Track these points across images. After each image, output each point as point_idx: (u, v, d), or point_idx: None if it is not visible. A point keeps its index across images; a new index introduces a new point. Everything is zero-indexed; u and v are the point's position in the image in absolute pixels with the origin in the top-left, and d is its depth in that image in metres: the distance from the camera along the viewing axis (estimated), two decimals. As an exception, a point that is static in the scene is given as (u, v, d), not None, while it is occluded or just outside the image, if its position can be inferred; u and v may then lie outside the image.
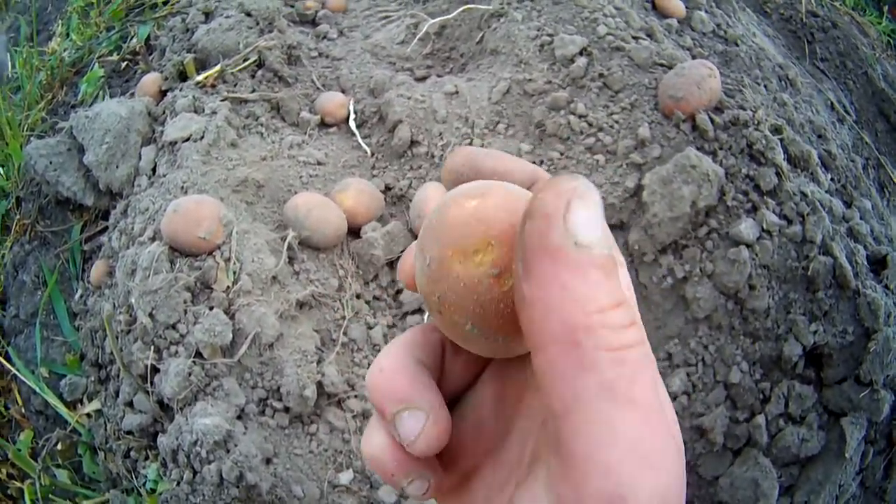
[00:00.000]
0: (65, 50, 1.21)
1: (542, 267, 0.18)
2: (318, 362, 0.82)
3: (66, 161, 1.04)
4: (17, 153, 1.09)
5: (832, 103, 1.12)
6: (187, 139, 0.95)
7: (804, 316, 0.90)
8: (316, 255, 0.88)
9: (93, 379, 0.94)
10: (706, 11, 1.05)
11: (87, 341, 0.95)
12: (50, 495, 0.91)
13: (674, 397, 0.89)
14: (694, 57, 1.00)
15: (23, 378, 0.99)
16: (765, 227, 0.89)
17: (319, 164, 0.95)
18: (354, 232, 0.90)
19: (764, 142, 0.91)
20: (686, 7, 1.03)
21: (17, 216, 1.10)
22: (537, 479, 0.20)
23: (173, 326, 0.81)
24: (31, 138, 1.09)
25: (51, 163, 1.04)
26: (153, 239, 0.88)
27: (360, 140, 0.97)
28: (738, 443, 0.89)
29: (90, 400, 0.94)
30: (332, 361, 0.83)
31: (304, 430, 0.81)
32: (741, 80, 0.99)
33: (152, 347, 0.80)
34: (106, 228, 1.02)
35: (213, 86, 1.01)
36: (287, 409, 0.80)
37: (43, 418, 0.98)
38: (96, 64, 1.15)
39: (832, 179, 1.03)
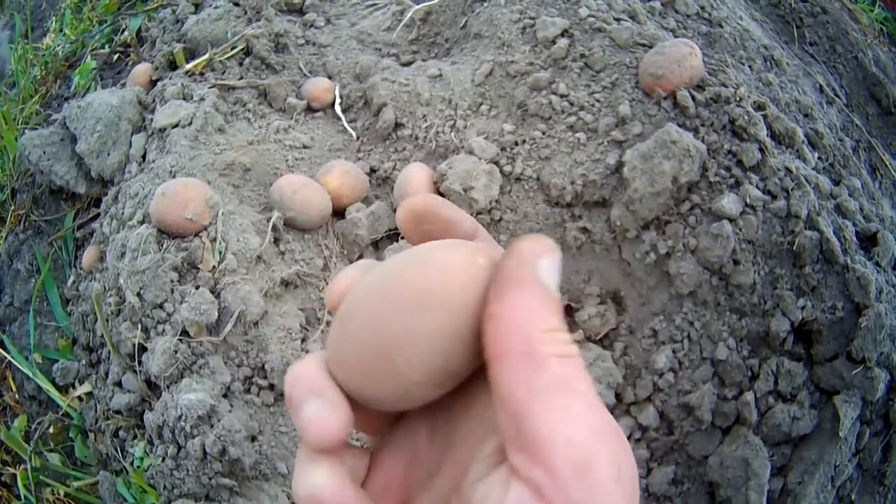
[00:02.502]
0: (58, 45, 1.24)
1: (512, 292, 0.22)
2: (303, 340, 0.83)
3: (59, 150, 1.07)
4: (11, 145, 1.12)
5: (821, 86, 1.12)
6: (176, 125, 0.97)
7: (791, 291, 0.90)
8: (301, 236, 0.90)
9: (84, 363, 0.96)
10: (689, -8, 1.06)
11: (78, 326, 0.97)
12: (42, 477, 0.92)
13: (660, 374, 0.89)
14: (676, 38, 1.01)
15: (17, 364, 1.01)
16: (748, 202, 0.89)
17: (305, 147, 0.97)
18: (339, 213, 0.92)
19: (746, 118, 0.92)
20: (669, -11, 1.04)
21: (12, 207, 1.13)
22: (492, 486, 0.23)
23: (160, 306, 0.83)
24: (26, 131, 1.12)
25: (44, 152, 1.07)
26: (142, 222, 0.90)
27: (346, 124, 0.99)
28: (727, 421, 0.89)
29: (82, 383, 0.96)
30: (317, 340, 0.84)
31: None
32: (724, 60, 1.00)
33: (140, 326, 0.82)
34: (98, 215, 1.04)
35: (201, 74, 1.03)
36: (272, 387, 0.82)
37: (36, 403, 1.00)
38: (89, 56, 1.18)
39: (819, 158, 1.03)
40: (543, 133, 0.92)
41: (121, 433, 0.85)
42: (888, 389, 0.91)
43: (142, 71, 1.09)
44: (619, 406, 0.88)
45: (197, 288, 0.83)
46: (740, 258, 0.89)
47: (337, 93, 1.00)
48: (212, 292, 0.82)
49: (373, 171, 0.95)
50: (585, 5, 0.98)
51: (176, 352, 0.79)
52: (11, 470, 0.99)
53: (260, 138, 0.96)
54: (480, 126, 0.93)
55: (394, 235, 0.91)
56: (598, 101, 0.92)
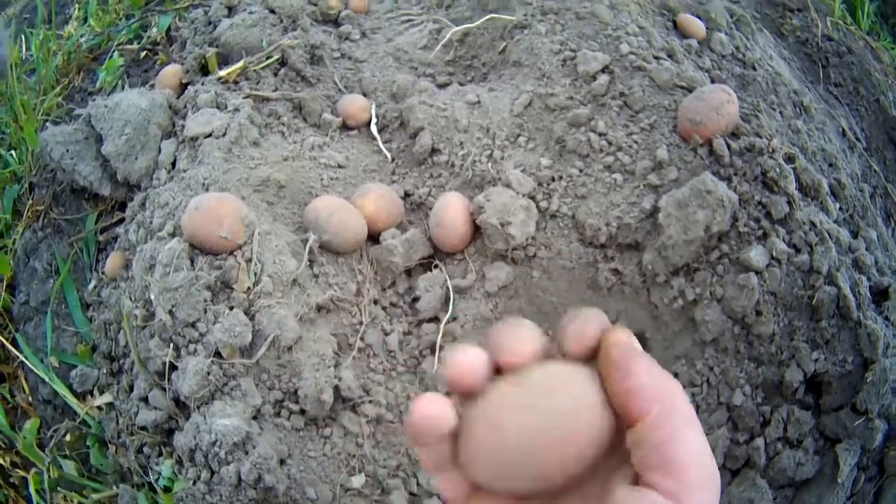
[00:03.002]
0: (82, 35, 1.21)
1: (634, 370, 0.30)
2: (336, 366, 0.84)
3: (83, 149, 1.04)
4: (32, 138, 1.09)
5: (843, 130, 1.15)
6: (209, 135, 0.96)
7: (807, 343, 0.93)
8: (335, 259, 0.90)
9: (105, 371, 0.95)
10: (726, 33, 1.07)
11: (100, 333, 0.97)
12: (57, 487, 0.92)
13: (677, 415, 0.92)
14: (712, 79, 1.02)
15: (31, 366, 1.00)
16: (774, 254, 0.92)
17: (340, 167, 0.96)
18: (373, 237, 0.92)
19: (778, 170, 0.94)
20: (706, 28, 1.05)
21: (30, 201, 1.11)
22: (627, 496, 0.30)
23: (192, 325, 0.82)
24: (47, 123, 1.10)
25: (67, 150, 1.04)
26: (173, 235, 0.89)
27: (381, 145, 0.98)
28: (737, 463, 0.92)
29: (101, 392, 0.95)
30: (349, 366, 0.85)
31: (318, 433, 0.84)
32: (757, 105, 1.02)
33: (171, 345, 0.82)
34: (122, 220, 1.03)
35: (235, 82, 1.02)
36: (303, 412, 0.83)
37: (51, 408, 1.00)
38: (116, 52, 1.15)
39: (840, 209, 1.06)
40: (580, 171, 0.93)
41: (145, 449, 0.85)
42: (885, 438, 0.95)
43: (171, 73, 1.07)
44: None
45: (231, 309, 0.83)
46: (763, 309, 0.92)
47: (373, 112, 1.00)
48: (246, 314, 0.82)
49: (407, 195, 0.96)
50: (626, 42, 0.98)
51: (208, 373, 0.80)
52: (21, 472, 0.98)
53: (295, 154, 0.96)
54: (518, 158, 0.94)
55: (427, 264, 0.92)
56: (636, 142, 0.93)
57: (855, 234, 1.06)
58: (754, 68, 1.05)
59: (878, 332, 0.93)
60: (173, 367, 0.82)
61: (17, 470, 0.98)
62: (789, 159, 0.97)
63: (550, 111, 0.96)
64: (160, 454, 0.85)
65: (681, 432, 0.30)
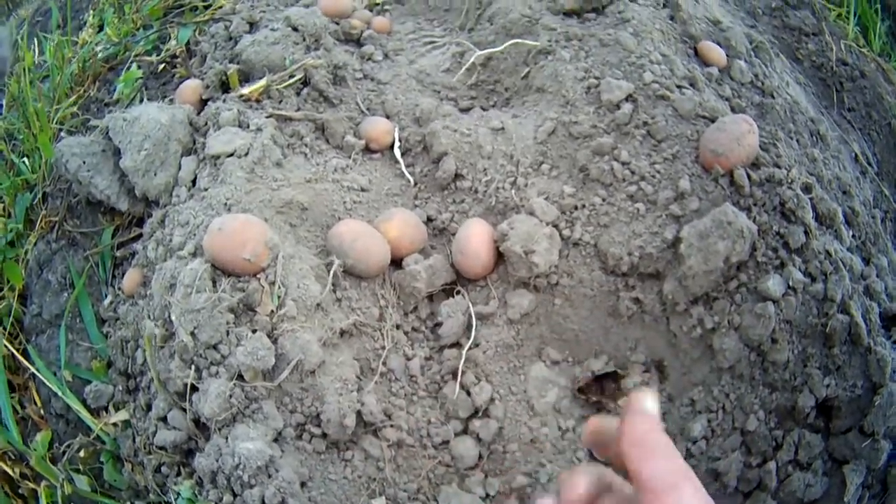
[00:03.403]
0: (97, 44, 1.19)
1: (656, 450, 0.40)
2: (358, 391, 0.84)
3: (100, 162, 1.04)
4: (46, 148, 1.08)
5: (856, 155, 1.17)
6: (231, 154, 0.96)
7: (819, 370, 0.95)
8: (358, 284, 0.90)
9: (120, 388, 0.95)
10: (745, 61, 1.09)
11: (116, 350, 0.96)
12: (70, 502, 0.92)
13: (693, 441, 0.93)
14: (732, 108, 1.04)
15: (43, 379, 0.99)
16: (791, 284, 0.93)
17: (363, 190, 0.96)
18: (396, 262, 0.92)
19: (795, 201, 0.96)
20: (727, 55, 1.06)
21: (43, 211, 1.10)
22: None
23: (214, 347, 0.82)
24: (61, 133, 1.09)
25: (84, 163, 1.04)
26: (194, 255, 0.89)
27: (404, 169, 0.98)
28: (750, 486, 0.94)
29: (116, 409, 0.95)
30: (371, 391, 0.85)
31: (339, 457, 0.84)
32: (775, 134, 1.03)
33: (192, 366, 0.81)
34: (140, 236, 1.02)
35: (257, 100, 1.01)
36: (324, 435, 0.83)
37: (63, 422, 0.99)
38: (134, 64, 1.14)
39: (853, 236, 1.08)
40: (603, 200, 0.93)
41: (163, 468, 0.85)
42: (889, 457, 0.97)
43: (191, 88, 1.07)
44: (652, 470, 0.92)
45: (254, 332, 0.82)
46: (778, 337, 0.93)
47: (396, 135, 1.00)
48: (269, 337, 0.82)
49: (429, 220, 0.96)
50: (650, 70, 0.99)
51: (230, 396, 0.79)
52: (31, 485, 0.98)
53: (318, 176, 0.95)
54: (541, 186, 0.95)
55: (449, 290, 0.92)
56: (658, 172, 0.94)
57: (867, 261, 1.08)
58: (773, 96, 1.06)
59: (886, 357, 0.95)
60: (194, 389, 0.81)
61: (27, 482, 0.97)
62: (806, 189, 0.99)
63: (574, 139, 0.97)
64: (179, 474, 0.84)
65: (678, 485, 0.38)
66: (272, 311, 0.83)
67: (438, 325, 0.91)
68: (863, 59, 1.26)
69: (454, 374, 0.88)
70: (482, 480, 0.86)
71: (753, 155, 0.96)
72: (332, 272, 0.86)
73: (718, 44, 1.07)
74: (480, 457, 0.87)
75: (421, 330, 0.91)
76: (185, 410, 0.82)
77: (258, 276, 0.85)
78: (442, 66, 1.07)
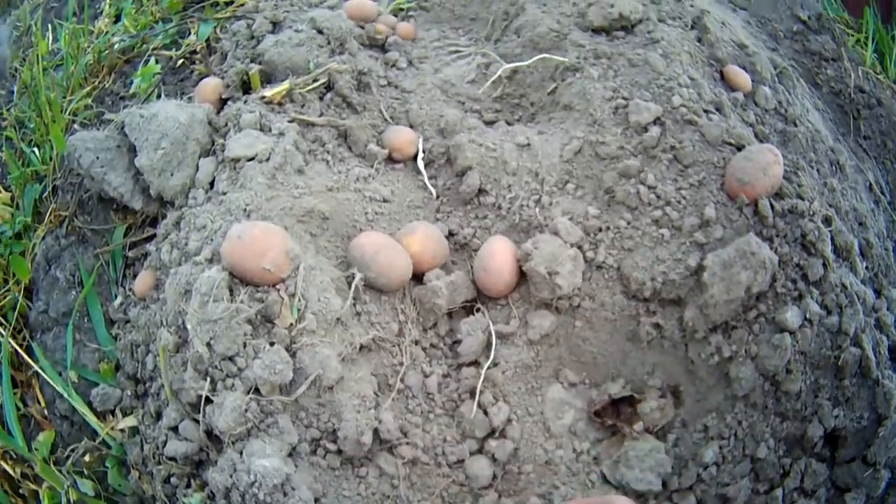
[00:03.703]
0: (114, 34, 1.14)
1: None
2: (375, 407, 0.81)
3: (114, 159, 0.99)
4: (59, 140, 1.03)
5: (871, 184, 1.15)
6: (252, 158, 0.92)
7: (829, 401, 0.94)
8: (378, 298, 0.87)
9: (129, 393, 0.91)
10: (770, 87, 1.06)
11: (125, 353, 0.92)
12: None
13: (704, 467, 0.92)
14: (756, 135, 1.01)
15: (47, 379, 0.95)
16: (808, 316, 0.92)
17: (385, 201, 0.93)
18: (416, 277, 0.89)
19: (816, 233, 0.94)
20: (752, 80, 1.04)
21: (53, 205, 1.05)
22: None
23: (231, 359, 0.79)
24: (74, 125, 1.04)
25: (97, 158, 0.99)
26: (211, 261, 0.85)
27: (427, 181, 0.95)
28: (757, 513, 0.93)
29: (124, 414, 0.91)
30: (389, 408, 0.82)
31: (353, 473, 0.81)
32: (797, 163, 1.01)
33: (207, 378, 0.78)
34: (153, 236, 0.98)
35: (279, 103, 0.97)
36: (340, 452, 0.80)
37: (67, 423, 0.95)
38: (152, 58, 1.09)
39: (867, 268, 1.07)
40: (628, 223, 0.91)
41: (173, 479, 0.81)
42: (887, 486, 0.97)
43: (212, 87, 1.02)
44: (664, 492, 0.90)
45: (271, 344, 0.79)
46: (793, 368, 0.92)
47: (420, 146, 0.97)
48: (287, 350, 0.79)
49: (451, 234, 0.93)
50: (678, 93, 0.97)
51: (246, 410, 0.76)
52: (32, 486, 0.94)
53: (340, 185, 0.92)
54: (566, 206, 0.92)
55: (469, 307, 0.89)
56: (684, 197, 0.92)
57: (878, 293, 1.07)
58: (795, 124, 1.04)
59: (892, 390, 0.95)
60: (208, 401, 0.78)
61: (28, 482, 0.93)
62: (826, 221, 0.97)
63: (601, 160, 0.94)
64: (189, 485, 0.81)
65: None
66: (291, 323, 0.80)
67: (458, 342, 0.88)
68: (879, 87, 1.24)
69: (472, 393, 0.86)
70: (496, 501, 0.84)
71: (777, 185, 0.94)
72: (353, 286, 0.83)
73: (744, 68, 1.05)
74: (495, 477, 0.85)
75: (440, 347, 0.89)
76: (197, 422, 0.79)
77: (277, 286, 0.81)
78: (467, 77, 1.04)
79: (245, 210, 0.87)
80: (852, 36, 1.29)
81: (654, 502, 0.90)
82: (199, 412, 0.79)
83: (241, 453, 0.75)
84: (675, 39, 1.02)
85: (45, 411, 0.95)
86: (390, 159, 0.97)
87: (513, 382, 0.87)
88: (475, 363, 0.87)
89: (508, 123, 1.01)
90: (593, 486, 0.88)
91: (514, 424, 0.85)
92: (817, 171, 1.03)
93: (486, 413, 0.85)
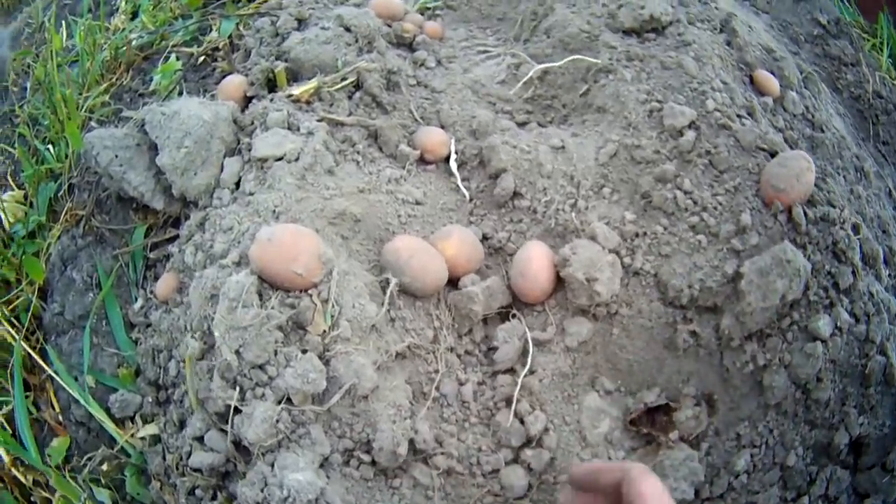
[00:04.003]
0: (131, 31, 1.05)
1: None
2: (411, 417, 0.73)
3: (134, 157, 0.90)
4: (75, 137, 0.94)
5: (890, 191, 1.10)
6: (280, 158, 0.83)
7: (855, 409, 0.89)
8: (412, 303, 0.79)
9: (150, 399, 0.82)
10: (797, 92, 1.00)
11: (146, 358, 0.83)
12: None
13: (736, 475, 0.86)
14: (786, 140, 0.95)
15: (62, 384, 0.85)
16: (838, 324, 0.87)
17: (418, 203, 0.85)
18: (451, 282, 0.81)
19: (847, 241, 0.88)
20: (780, 86, 0.97)
21: (69, 204, 0.95)
22: None
23: (261, 367, 0.70)
24: (91, 122, 0.94)
25: (116, 156, 0.90)
26: (238, 264, 0.77)
27: (460, 183, 0.87)
28: (783, 519, 0.87)
29: (144, 421, 0.82)
30: (424, 417, 0.74)
31: (387, 484, 0.73)
32: (825, 170, 0.96)
33: (237, 387, 0.69)
34: (175, 237, 0.89)
35: (307, 102, 0.89)
36: (373, 463, 0.72)
37: (83, 430, 0.86)
38: (173, 55, 1.00)
39: (889, 275, 1.01)
40: (665, 229, 0.84)
41: (198, 492, 0.73)
42: None
43: (235, 84, 0.93)
44: (695, 501, 0.84)
45: (304, 352, 0.71)
46: (823, 376, 0.86)
47: (452, 147, 0.89)
48: (320, 358, 0.71)
49: (485, 238, 0.85)
50: (712, 98, 0.90)
51: (278, 421, 0.68)
52: (44, 494, 0.85)
53: (371, 186, 0.84)
54: (602, 210, 0.85)
55: (504, 314, 0.82)
56: (720, 203, 0.85)
57: (900, 300, 1.02)
58: (822, 130, 0.98)
59: (914, 398, 0.89)
60: (237, 411, 0.70)
61: (40, 490, 0.84)
62: (855, 229, 0.91)
63: (636, 163, 0.87)
64: (214, 498, 0.73)
65: None
66: (324, 330, 0.72)
67: (492, 349, 0.80)
68: (895, 92, 1.19)
69: (508, 402, 0.79)
70: (531, 513, 0.77)
71: (809, 192, 0.88)
72: (389, 291, 0.75)
73: (772, 73, 0.99)
74: (530, 487, 0.78)
75: (474, 354, 0.81)
76: (225, 432, 0.71)
77: (310, 292, 0.73)
78: (497, 78, 0.96)
79: (274, 211, 0.79)
80: (868, 41, 1.24)
81: (686, 511, 0.83)
82: (226, 422, 0.71)
83: (272, 466, 0.67)
84: (706, 42, 0.95)
85: (60, 417, 0.86)
86: (422, 160, 0.89)
87: (549, 391, 0.80)
88: (511, 371, 0.80)
89: (540, 125, 0.93)
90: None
91: (550, 433, 0.78)
92: (843, 177, 0.97)
93: (522, 422, 0.78)
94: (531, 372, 0.80)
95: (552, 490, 0.78)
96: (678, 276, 0.82)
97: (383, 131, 0.88)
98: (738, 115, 0.90)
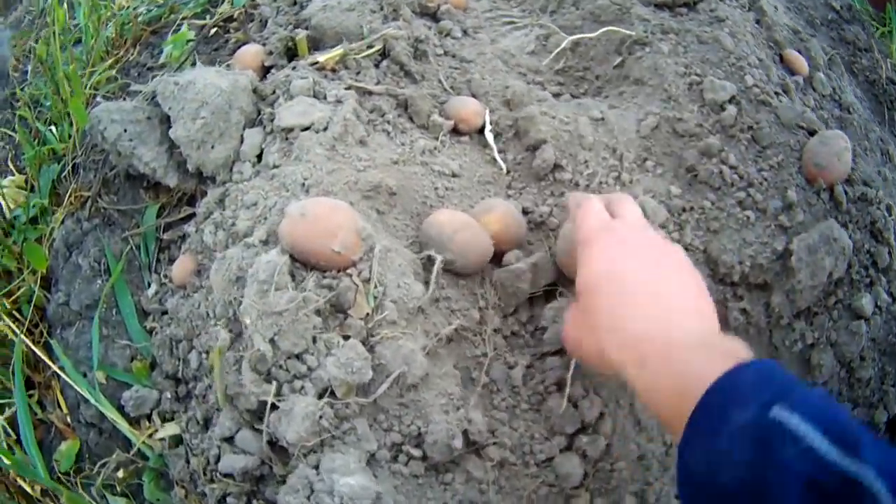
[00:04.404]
0: (137, 5, 0.87)
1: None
2: (462, 406, 0.59)
3: (144, 131, 0.73)
4: (80, 113, 0.76)
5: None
6: (307, 128, 0.68)
7: (893, 387, 0.79)
8: (455, 282, 0.65)
9: (168, 395, 0.66)
10: (824, 73, 0.89)
11: (163, 349, 0.67)
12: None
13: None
14: (818, 119, 0.84)
15: (69, 381, 0.69)
16: (878, 303, 0.76)
17: (454, 176, 0.71)
18: (493, 259, 0.68)
19: (884, 221, 0.78)
20: (809, 66, 0.86)
21: (74, 185, 0.78)
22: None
23: (299, 357, 0.55)
24: (97, 98, 0.77)
25: (125, 131, 0.73)
26: (266, 243, 0.61)
27: (497, 155, 0.73)
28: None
29: (163, 419, 0.66)
30: (477, 406, 0.61)
31: (438, 480, 0.59)
32: (855, 150, 0.85)
33: (274, 382, 0.54)
34: (191, 216, 0.73)
35: (333, 70, 0.73)
36: (424, 457, 0.58)
37: (94, 432, 0.69)
38: (185, 25, 0.83)
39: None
40: (712, 204, 0.72)
41: (229, 499, 0.57)
42: None
43: (252, 53, 0.77)
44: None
45: (346, 338, 0.56)
46: (866, 355, 0.75)
47: (487, 118, 0.75)
48: (363, 345, 0.56)
49: (525, 212, 0.71)
50: (750, 74, 0.78)
51: (321, 416, 0.53)
52: None
53: (405, 158, 0.69)
54: (646, 184, 0.72)
55: (549, 292, 0.68)
56: (766, 179, 0.73)
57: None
58: (849, 112, 0.87)
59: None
60: (273, 407, 0.54)
61: (48, 500, 0.67)
62: (888, 210, 0.81)
63: (679, 137, 0.74)
64: (247, 505, 0.57)
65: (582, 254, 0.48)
66: (368, 313, 0.57)
67: (540, 329, 0.67)
68: (905, 79, 1.09)
69: (559, 386, 0.65)
70: (588, 502, 0.64)
71: (848, 172, 0.77)
72: (435, 269, 0.60)
73: (799, 53, 0.87)
74: (585, 475, 0.64)
75: (521, 334, 0.67)
76: (259, 432, 0.55)
77: (349, 271, 0.58)
78: (526, 49, 0.82)
79: (303, 184, 0.64)
80: (877, 29, 1.14)
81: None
82: (260, 420, 0.56)
83: (316, 469, 0.52)
84: (738, 19, 0.83)
85: (68, 418, 0.69)
86: (455, 131, 0.75)
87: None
88: (560, 352, 0.66)
89: (574, 97, 0.80)
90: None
91: (605, 418, 0.65)
92: (871, 158, 0.87)
93: (576, 407, 0.65)
94: (583, 353, 0.67)
95: (609, 478, 0.65)
96: (728, 252, 0.70)
97: (414, 100, 0.73)
98: (776, 93, 0.79)
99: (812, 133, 0.77)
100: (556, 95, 0.80)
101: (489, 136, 0.74)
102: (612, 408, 0.66)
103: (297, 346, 0.55)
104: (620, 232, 0.50)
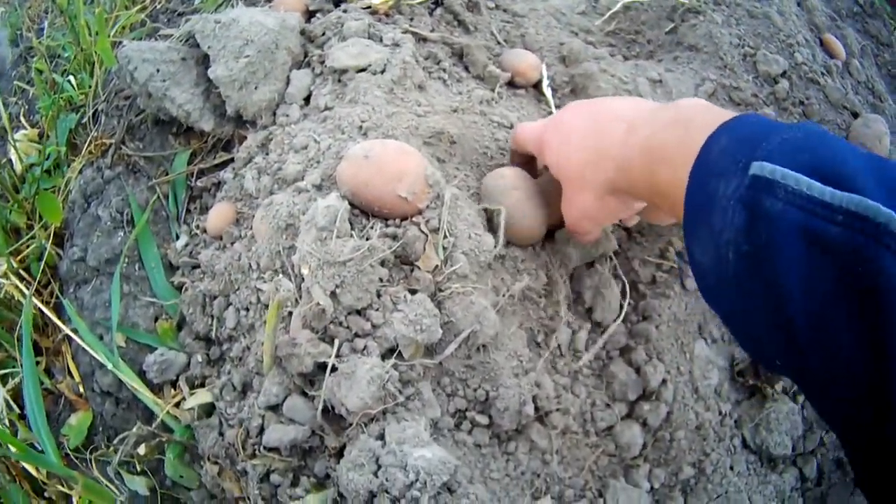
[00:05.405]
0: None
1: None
2: (532, 370, 0.47)
3: (178, 72, 0.58)
4: (107, 54, 0.60)
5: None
6: (363, 70, 0.54)
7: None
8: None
9: (199, 359, 0.51)
10: (859, 60, 0.81)
11: (194, 307, 0.52)
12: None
13: (827, 430, 0.65)
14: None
15: (83, 345, 0.53)
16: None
17: (513, 127, 0.58)
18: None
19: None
20: (846, 52, 0.78)
21: (95, 133, 0.62)
22: None
23: (361, 312, 0.42)
24: (124, 42, 0.61)
25: (158, 71, 0.57)
26: (319, 188, 0.48)
27: (555, 110, 0.61)
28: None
29: (191, 386, 0.51)
30: (545, 370, 0.49)
31: (501, 450, 0.47)
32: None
33: (335, 340, 0.41)
34: (228, 162, 0.58)
35: (387, 14, 0.60)
36: (489, 425, 0.45)
37: (111, 402, 0.53)
38: (222, -35, 0.68)
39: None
40: (771, 170, 0.62)
41: (273, 476, 0.44)
42: None
43: (297, -3, 0.63)
44: (790, 456, 0.63)
45: (412, 293, 0.43)
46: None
47: (544, 72, 0.63)
48: (431, 300, 0.43)
49: (584, 173, 0.59)
50: (799, 52, 0.68)
51: (387, 380, 0.40)
52: (61, 488, 0.52)
53: (464, 107, 0.56)
54: (706, 148, 0.61)
55: (609, 256, 0.56)
56: (821, 149, 0.64)
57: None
58: (881, 100, 0.79)
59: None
60: (333, 369, 0.41)
61: (56, 484, 0.52)
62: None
63: (735, 105, 0.64)
64: (295, 482, 0.44)
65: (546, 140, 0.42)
66: (437, 266, 0.44)
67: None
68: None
69: (622, 351, 0.54)
70: (647, 472, 0.53)
71: (887, 155, 0.68)
72: (502, 220, 0.48)
73: (836, 38, 0.78)
74: (644, 445, 0.53)
75: (583, 300, 0.56)
76: (311, 398, 0.42)
77: (416, 220, 0.45)
78: (577, 8, 0.71)
79: (361, 127, 0.50)
80: (895, 28, 1.07)
81: (781, 466, 0.62)
82: (312, 386, 0.42)
83: (381, 439, 0.39)
84: (782, -2, 0.74)
85: (80, 387, 0.54)
86: (510, 84, 0.62)
87: (666, 339, 0.55)
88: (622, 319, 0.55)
89: (626, 59, 0.69)
90: (735, 451, 0.58)
91: (668, 385, 0.54)
92: (897, 148, 0.79)
93: (638, 372, 0.53)
94: (644, 317, 0.55)
95: (668, 448, 0.54)
96: (789, 218, 0.60)
97: (471, 50, 0.61)
98: (822, 73, 0.69)
99: (855, 115, 0.68)
100: (610, 56, 0.69)
101: (547, 90, 0.62)
102: (672, 374, 0.55)
103: (361, 301, 0.42)
104: (559, 114, 0.45)
